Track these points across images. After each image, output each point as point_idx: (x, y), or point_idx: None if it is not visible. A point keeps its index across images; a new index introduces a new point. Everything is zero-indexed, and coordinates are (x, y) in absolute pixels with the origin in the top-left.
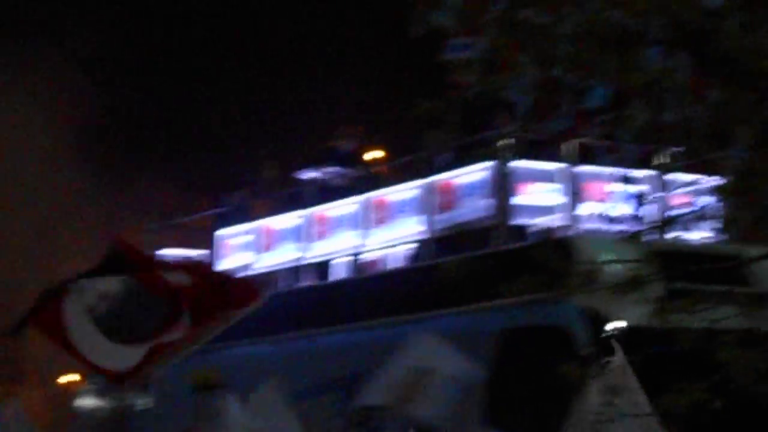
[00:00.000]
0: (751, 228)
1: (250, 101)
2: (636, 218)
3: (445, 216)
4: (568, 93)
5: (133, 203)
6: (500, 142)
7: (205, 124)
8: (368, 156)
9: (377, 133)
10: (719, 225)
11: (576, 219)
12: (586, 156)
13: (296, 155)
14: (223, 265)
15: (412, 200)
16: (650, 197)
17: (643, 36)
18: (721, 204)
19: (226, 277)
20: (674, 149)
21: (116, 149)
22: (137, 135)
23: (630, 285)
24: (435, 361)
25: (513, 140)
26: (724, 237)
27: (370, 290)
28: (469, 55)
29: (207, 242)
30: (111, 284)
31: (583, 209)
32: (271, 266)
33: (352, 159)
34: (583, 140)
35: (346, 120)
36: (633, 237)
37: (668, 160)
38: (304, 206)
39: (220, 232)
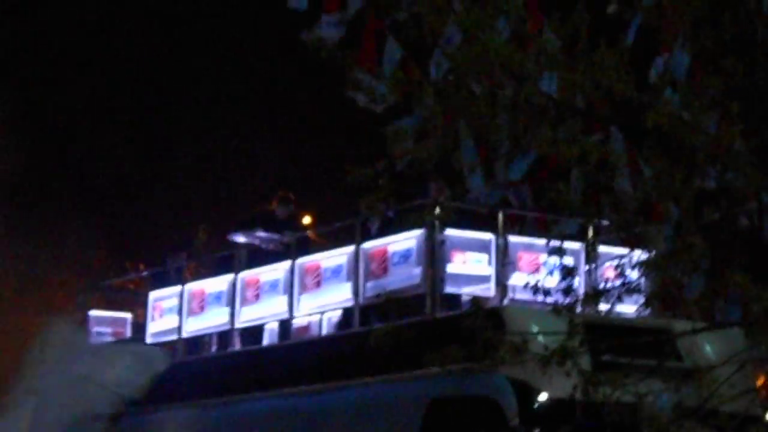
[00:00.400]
0: (674, 303)
1: (185, 165)
2: (566, 290)
3: (375, 283)
4: (501, 162)
5: (65, 265)
6: (433, 210)
7: (140, 187)
8: (301, 221)
9: (310, 198)
10: (645, 299)
11: (507, 289)
12: (519, 226)
13: (229, 219)
14: (154, 327)
15: (343, 266)
16: (580, 269)
17: (577, 109)
18: (648, 278)
19: None
20: (605, 222)
21: (49, 210)
22: (69, 196)
23: (558, 357)
24: None
25: (445, 208)
26: (651, 311)
27: (299, 357)
28: (405, 125)
29: (138, 304)
30: None
31: (515, 280)
32: (202, 329)
33: (285, 224)
34: (515, 211)
35: (279, 185)
36: (562, 309)
37: (599, 233)
38: (235, 270)
39: (153, 294)
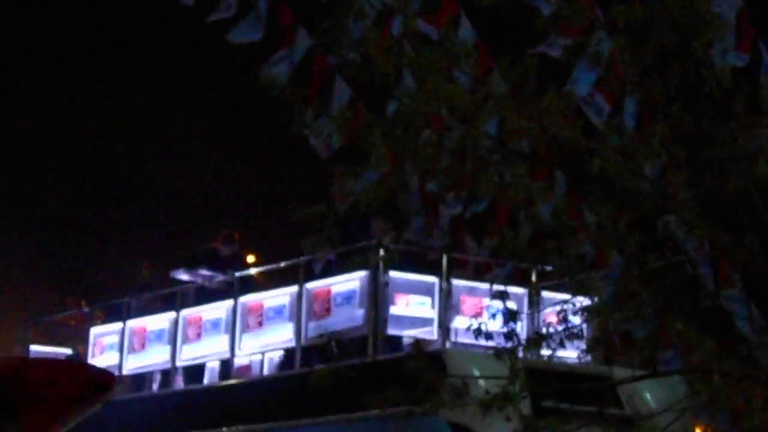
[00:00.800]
0: (612, 350)
1: (129, 200)
2: (508, 335)
3: (318, 324)
4: (445, 205)
5: (5, 298)
6: (377, 252)
7: (82, 221)
8: (245, 260)
9: (255, 237)
10: (586, 345)
11: (449, 332)
12: (461, 270)
13: (173, 256)
14: (95, 363)
15: (286, 306)
16: (523, 314)
17: (523, 153)
18: (590, 324)
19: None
20: (548, 267)
21: None
22: (12, 229)
23: (499, 401)
24: None
25: (388, 250)
26: (591, 357)
27: (240, 396)
28: (350, 169)
29: (79, 340)
30: None
31: (457, 323)
32: (143, 367)
33: (229, 262)
34: (458, 254)
35: (224, 223)
36: (504, 353)
37: (542, 278)
38: (177, 308)
39: (94, 331)
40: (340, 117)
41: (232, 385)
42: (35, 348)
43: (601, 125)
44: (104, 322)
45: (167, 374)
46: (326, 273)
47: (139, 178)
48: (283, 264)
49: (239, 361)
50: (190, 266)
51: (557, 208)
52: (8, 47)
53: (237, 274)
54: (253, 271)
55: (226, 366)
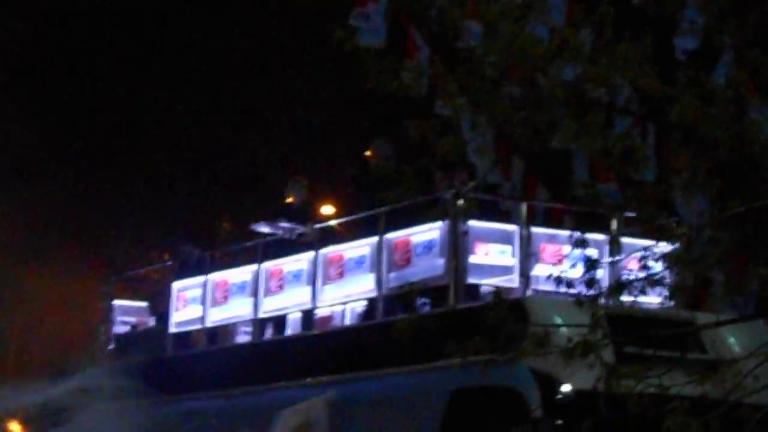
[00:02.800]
0: (696, 296)
1: (205, 155)
2: (589, 282)
3: (399, 274)
4: (523, 155)
5: (90, 256)
6: (456, 202)
7: (160, 178)
8: (319, 210)
9: (331, 188)
10: (668, 291)
11: (530, 281)
12: (543, 217)
13: (251, 209)
14: (178, 316)
15: (366, 257)
16: (603, 261)
17: (603, 103)
18: (671, 271)
19: None
20: (628, 214)
21: (71, 200)
22: (91, 187)
23: (581, 349)
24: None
25: (468, 200)
26: (675, 303)
27: (322, 347)
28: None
29: (163, 294)
30: None
31: (538, 271)
32: (225, 319)
33: (306, 214)
34: (537, 202)
35: (298, 174)
36: (586, 301)
37: (622, 224)
38: (259, 260)
39: (176, 285)
40: (418, 69)
41: (314, 336)
42: (119, 303)
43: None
44: (187, 275)
45: (250, 326)
46: (406, 223)
47: (218, 132)
48: (363, 214)
49: (321, 312)
50: (271, 218)
51: (638, 156)
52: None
53: (317, 225)
54: (333, 222)
55: (309, 317)
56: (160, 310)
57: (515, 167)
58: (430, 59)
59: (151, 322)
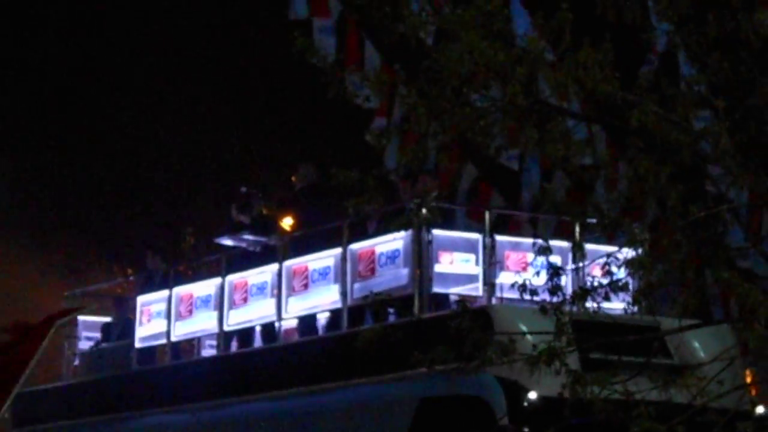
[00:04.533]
0: (658, 301)
1: (171, 167)
2: (553, 289)
3: (363, 284)
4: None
5: (52, 269)
6: (419, 211)
7: (127, 190)
8: (286, 223)
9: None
10: (632, 297)
11: (494, 289)
12: (505, 226)
13: (215, 222)
14: (143, 331)
15: (331, 268)
16: (567, 268)
17: (562, 109)
18: (633, 277)
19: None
20: (591, 221)
21: (36, 216)
22: (56, 201)
23: (546, 356)
24: None
25: (431, 208)
26: (637, 309)
27: (288, 359)
28: (384, 129)
29: (126, 309)
30: None
31: (502, 279)
32: (191, 333)
33: (271, 226)
34: (502, 210)
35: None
36: (550, 308)
37: (585, 231)
38: (223, 273)
39: (141, 299)
40: (376, 78)
41: (280, 348)
42: (83, 318)
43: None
44: (143, 290)
45: (214, 339)
46: (370, 233)
47: (182, 145)
48: (327, 225)
49: (286, 324)
50: (234, 231)
51: (598, 161)
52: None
53: (281, 237)
54: (297, 233)
55: (273, 330)
56: (124, 325)
57: (467, 174)
58: (380, 67)
59: (114, 337)
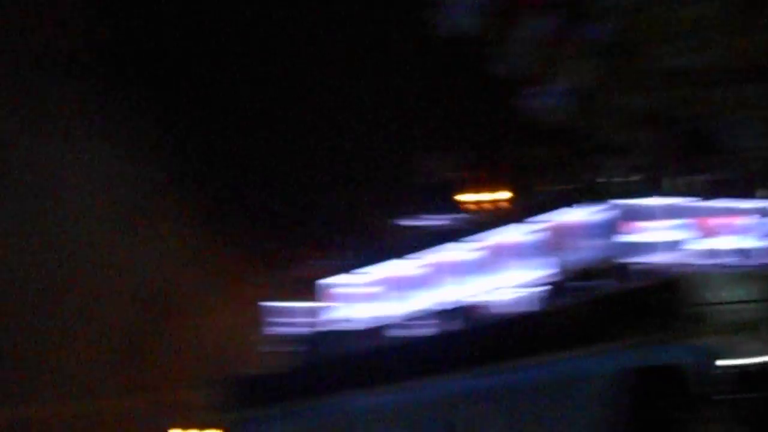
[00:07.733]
0: None
1: (359, 153)
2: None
3: (563, 257)
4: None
5: (248, 259)
6: (617, 182)
7: (311, 179)
8: (475, 199)
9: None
10: None
11: (700, 255)
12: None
13: (404, 204)
14: (336, 314)
15: (531, 244)
16: None
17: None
18: None
19: None
20: None
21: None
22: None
23: (747, 324)
24: None
25: (630, 180)
26: None
27: (488, 336)
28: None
29: (320, 293)
30: None
31: (709, 244)
32: (387, 315)
33: (462, 205)
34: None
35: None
36: (756, 274)
37: None
38: (417, 253)
39: (331, 281)
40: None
41: (474, 326)
42: (276, 304)
43: None
44: (343, 272)
45: (414, 320)
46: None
47: (374, 128)
48: (526, 201)
49: (485, 300)
50: (426, 211)
51: None
52: None
53: (475, 216)
54: (489, 210)
55: (474, 308)
56: (328, 309)
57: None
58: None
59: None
